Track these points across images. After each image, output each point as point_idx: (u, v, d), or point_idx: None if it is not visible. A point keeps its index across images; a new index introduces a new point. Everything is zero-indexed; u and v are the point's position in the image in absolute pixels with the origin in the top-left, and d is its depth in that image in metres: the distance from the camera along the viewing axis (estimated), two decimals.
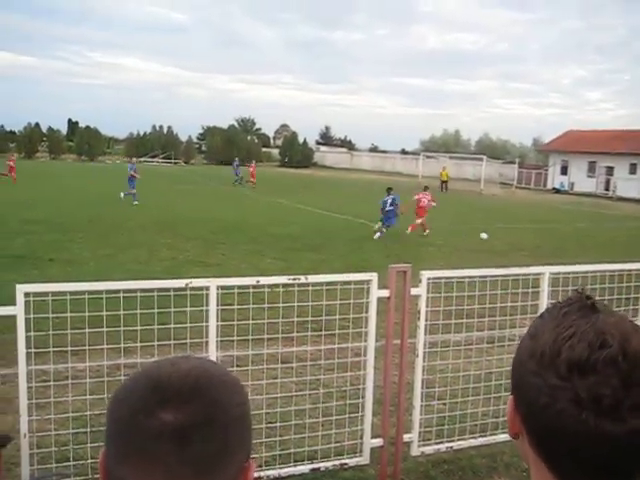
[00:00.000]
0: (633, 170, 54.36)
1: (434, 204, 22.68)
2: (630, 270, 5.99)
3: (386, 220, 20.50)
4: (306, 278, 4.91)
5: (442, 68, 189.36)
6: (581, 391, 0.87)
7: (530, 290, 5.47)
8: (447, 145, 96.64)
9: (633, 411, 0.86)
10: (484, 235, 21.01)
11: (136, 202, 26.62)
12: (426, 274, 5.09)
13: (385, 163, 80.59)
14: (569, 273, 5.52)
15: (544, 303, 5.47)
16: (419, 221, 21.43)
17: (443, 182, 47.10)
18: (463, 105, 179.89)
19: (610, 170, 56.76)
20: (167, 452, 0.85)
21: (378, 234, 20.09)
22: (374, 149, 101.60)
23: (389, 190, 21.23)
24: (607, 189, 55.17)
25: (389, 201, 20.66)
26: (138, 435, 0.87)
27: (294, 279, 4.89)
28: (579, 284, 5.74)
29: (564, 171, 61.13)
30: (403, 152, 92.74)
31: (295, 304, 4.98)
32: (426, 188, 23.25)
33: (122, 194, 27.72)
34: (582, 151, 58.52)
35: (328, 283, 5.19)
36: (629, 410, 0.86)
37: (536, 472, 0.97)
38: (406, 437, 5.37)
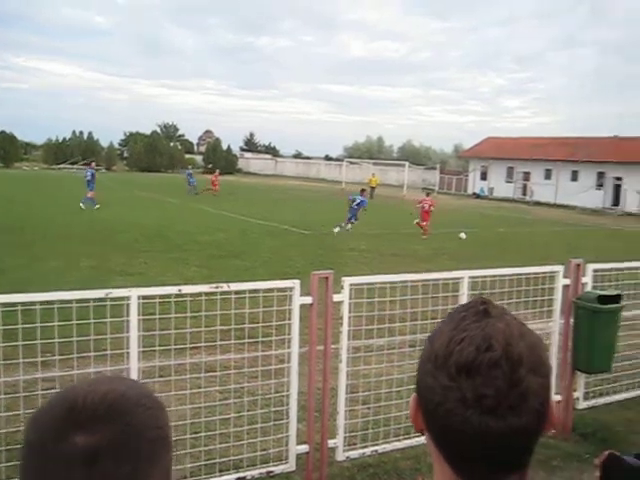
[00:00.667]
0: (548, 175, 56.32)
1: (433, 208, 24.91)
2: (544, 273, 6.22)
3: (352, 216, 23.32)
4: (228, 286, 4.89)
5: (366, 75, 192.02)
6: (467, 391, 0.93)
7: (450, 294, 5.60)
8: (370, 151, 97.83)
9: (512, 410, 0.93)
10: (463, 235, 23.18)
11: (97, 205, 27.34)
12: (348, 280, 5.14)
13: (309, 169, 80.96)
14: (487, 277, 5.69)
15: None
16: (424, 224, 23.83)
17: (372, 188, 47.14)
18: (386, 112, 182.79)
19: (527, 175, 58.65)
20: (77, 475, 0.85)
21: (337, 228, 22.60)
22: (298, 155, 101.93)
23: (362, 191, 24.65)
24: (524, 194, 56.94)
25: (357, 200, 23.50)
26: (49, 460, 0.86)
27: (216, 287, 4.86)
28: (497, 287, 5.93)
29: (484, 176, 62.79)
30: (327, 158, 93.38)
31: (218, 312, 4.95)
32: (428, 194, 26.24)
33: (81, 204, 27.72)
34: (501, 157, 60.29)
35: (251, 290, 5.18)
36: (509, 409, 0.93)
37: (437, 466, 1.03)
38: (331, 442, 5.41)
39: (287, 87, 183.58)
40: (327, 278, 5.00)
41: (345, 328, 5.17)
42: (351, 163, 67.29)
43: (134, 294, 4.54)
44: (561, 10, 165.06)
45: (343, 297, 5.13)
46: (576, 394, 6.80)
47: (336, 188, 53.24)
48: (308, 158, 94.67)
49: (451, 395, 0.94)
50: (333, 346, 5.30)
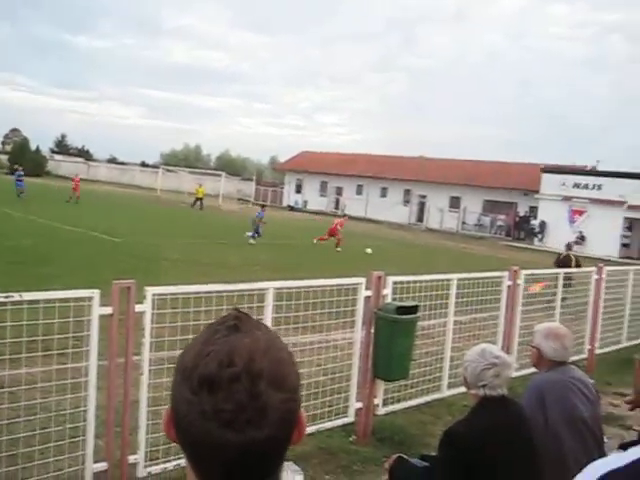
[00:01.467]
0: (359, 191, 58.76)
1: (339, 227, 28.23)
2: (348, 284, 6.43)
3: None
4: (20, 296, 4.57)
5: (188, 83, 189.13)
6: (207, 405, 0.95)
7: (255, 305, 5.62)
8: (188, 159, 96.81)
9: (251, 423, 0.94)
10: (368, 250, 24.94)
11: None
12: (151, 290, 5.00)
13: (124, 175, 78.41)
14: (292, 288, 5.77)
15: (269, 317, 5.67)
16: (325, 237, 27.89)
17: (198, 199, 45.50)
18: (206, 121, 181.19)
19: (340, 190, 60.81)
20: None
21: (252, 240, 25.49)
22: (113, 160, 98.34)
23: (263, 207, 29.15)
24: (337, 208, 58.93)
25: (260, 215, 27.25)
26: None
27: (7, 297, 4.52)
28: (301, 298, 6.04)
29: (299, 189, 64.26)
30: (143, 165, 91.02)
31: (8, 324, 4.60)
32: (344, 215, 31.78)
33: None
34: (315, 171, 62.03)
35: (47, 301, 4.88)
36: (247, 422, 0.94)
37: (188, 475, 1.03)
38: (132, 458, 5.22)
39: (104, 89, 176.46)
40: (129, 288, 4.83)
41: (147, 339, 5.03)
42: (167, 171, 66.14)
43: None
44: (377, 36, 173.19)
45: (146, 307, 4.99)
46: (376, 400, 7.08)
47: (151, 195, 52.05)
48: (123, 163, 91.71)
49: (193, 408, 0.96)
50: (136, 358, 5.14)
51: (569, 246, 18.42)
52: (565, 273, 11.39)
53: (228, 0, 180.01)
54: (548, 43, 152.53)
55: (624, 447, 1.43)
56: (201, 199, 45.52)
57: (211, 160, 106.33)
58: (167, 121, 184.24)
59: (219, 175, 57.79)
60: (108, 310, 4.84)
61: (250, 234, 26.13)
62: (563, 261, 16.50)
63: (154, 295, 5.05)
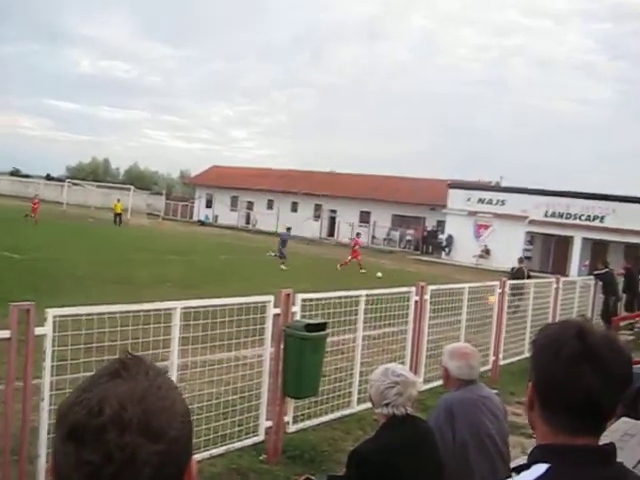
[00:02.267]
0: (270, 205, 58.78)
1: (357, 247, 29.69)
2: (257, 302, 6.40)
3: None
4: None
5: (95, 94, 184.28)
6: (73, 457, 0.90)
7: (162, 325, 5.51)
8: (96, 173, 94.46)
9: (116, 477, 0.90)
10: (379, 274, 25.10)
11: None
12: (52, 312, 4.82)
13: (27, 188, 75.58)
14: (199, 307, 5.69)
15: (176, 337, 5.57)
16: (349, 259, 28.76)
17: (117, 215, 44.22)
18: (114, 133, 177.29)
19: (251, 205, 60.68)
20: None
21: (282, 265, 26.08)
22: (16, 173, 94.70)
23: (288, 229, 30.56)
24: (248, 222, 58.75)
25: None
26: None
27: None
28: (209, 317, 5.97)
29: (209, 204, 63.69)
30: (48, 178, 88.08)
31: None
32: (358, 234, 32.22)
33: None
34: (226, 186, 61.68)
35: None
36: (112, 476, 0.89)
37: None
38: None
39: (6, 100, 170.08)
40: (29, 310, 4.64)
41: (48, 363, 4.84)
42: (73, 184, 64.28)
43: None
44: (285, 51, 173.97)
45: (46, 330, 4.80)
46: (286, 418, 7.05)
47: (56, 210, 50.40)
48: (27, 176, 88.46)
49: (63, 458, 0.92)
50: (38, 381, 4.93)
51: (521, 260, 19.99)
52: (515, 285, 12.07)
53: (137, 11, 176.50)
54: (454, 62, 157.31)
55: (516, 470, 1.46)
56: (119, 214, 44.45)
57: (120, 174, 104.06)
58: (74, 133, 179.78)
59: (127, 189, 56.57)
60: (5, 334, 4.63)
61: (274, 254, 28.32)
62: (516, 274, 17.55)
63: (55, 317, 4.86)
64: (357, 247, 29.59)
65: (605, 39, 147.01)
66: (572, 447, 1.43)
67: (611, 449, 1.48)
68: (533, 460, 1.46)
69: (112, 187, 65.27)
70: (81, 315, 5.12)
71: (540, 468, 1.41)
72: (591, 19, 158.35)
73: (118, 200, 46.84)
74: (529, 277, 16.84)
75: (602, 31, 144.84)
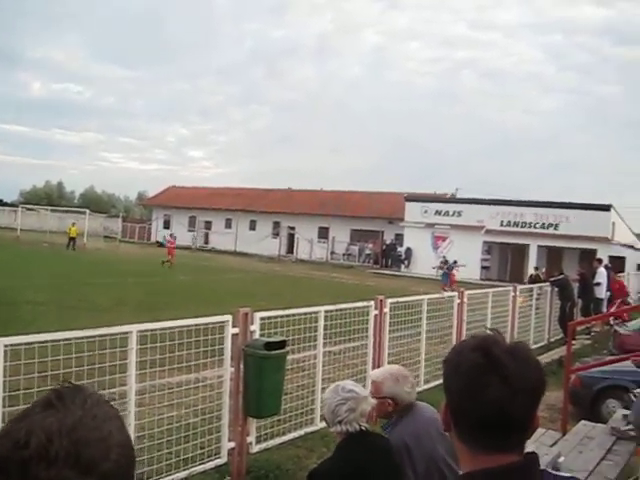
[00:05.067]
0: (228, 225, 58.59)
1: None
2: (214, 323, 6.35)
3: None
4: None
5: (47, 117, 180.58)
6: None
7: (118, 350, 5.43)
8: (50, 197, 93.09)
9: None
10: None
11: None
12: (3, 341, 4.71)
13: None
14: (156, 330, 5.62)
15: (133, 361, 5.49)
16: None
17: (71, 239, 43.67)
18: (69, 157, 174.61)
19: (209, 224, 60.37)
20: None
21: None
22: None
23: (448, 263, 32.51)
24: (206, 242, 58.41)
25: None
26: None
27: None
28: (167, 340, 5.90)
29: (167, 225, 63.18)
30: (1, 203, 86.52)
31: None
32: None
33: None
34: (183, 206, 61.34)
35: None
36: None
37: None
38: None
39: None
40: None
41: (0, 393, 4.72)
42: (27, 209, 63.21)
43: None
44: (240, 70, 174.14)
45: None
46: (249, 438, 6.99)
47: (10, 235, 49.43)
48: None
49: None
50: None
51: (536, 268, 25.48)
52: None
53: (89, 32, 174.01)
54: (405, 77, 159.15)
55: None
56: (74, 238, 43.94)
57: (75, 197, 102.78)
58: (26, 157, 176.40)
59: (83, 213, 55.78)
60: None
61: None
62: (534, 279, 21.83)
63: (6, 346, 4.75)
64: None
65: (554, 50, 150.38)
66: (494, 470, 1.39)
67: (531, 462, 1.46)
68: None
69: (67, 211, 64.25)
70: (34, 343, 5.01)
71: None
72: (539, 31, 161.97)
73: (73, 224, 46.26)
74: (544, 281, 19.69)
75: (550, 43, 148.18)
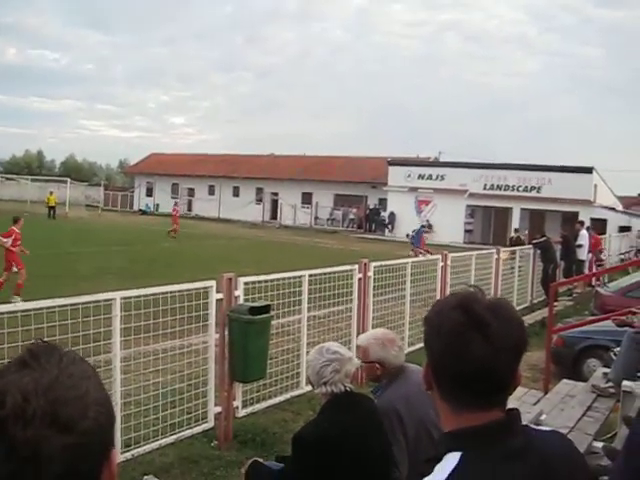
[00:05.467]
0: (212, 191, 58.28)
1: None
2: (198, 288, 6.35)
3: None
4: None
5: (24, 85, 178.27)
6: None
7: (102, 317, 5.42)
8: (31, 167, 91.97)
9: (19, 476, 0.85)
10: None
11: None
12: None
13: None
14: (140, 296, 5.61)
15: (117, 328, 5.48)
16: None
17: (50, 208, 43.48)
18: (48, 125, 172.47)
19: (192, 191, 60.03)
20: None
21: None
22: None
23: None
24: (190, 209, 58.15)
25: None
26: None
27: None
28: (151, 306, 5.89)
29: (149, 193, 62.81)
30: None
31: None
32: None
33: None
34: (166, 173, 60.86)
35: None
36: (13, 475, 0.85)
37: None
38: None
39: None
40: None
41: None
42: (7, 179, 62.56)
43: None
44: (222, 34, 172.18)
45: None
46: (236, 403, 7.04)
47: None
48: None
49: None
50: None
51: (517, 230, 26.68)
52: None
53: None
54: (390, 39, 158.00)
55: (429, 462, 1.44)
56: (54, 207, 43.75)
57: (56, 166, 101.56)
58: (4, 126, 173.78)
59: (64, 182, 55.24)
60: None
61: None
62: (515, 242, 22.48)
63: None
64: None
65: (536, 12, 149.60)
66: (478, 428, 1.40)
67: (514, 417, 1.46)
68: (444, 450, 1.42)
69: (48, 180, 63.58)
70: (17, 312, 4.99)
71: (452, 458, 1.39)
72: None
73: (51, 193, 45.99)
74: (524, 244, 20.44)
75: (533, 4, 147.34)
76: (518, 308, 15.32)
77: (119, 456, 5.44)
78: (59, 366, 0.93)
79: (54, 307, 5.19)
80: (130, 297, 5.57)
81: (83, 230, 34.19)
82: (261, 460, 3.68)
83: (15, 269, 15.08)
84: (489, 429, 1.41)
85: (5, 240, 15.01)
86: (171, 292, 6.14)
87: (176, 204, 39.97)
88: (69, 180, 55.64)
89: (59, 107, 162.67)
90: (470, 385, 1.41)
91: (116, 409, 5.54)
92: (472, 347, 1.38)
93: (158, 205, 60.11)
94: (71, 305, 5.24)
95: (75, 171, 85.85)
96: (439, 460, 1.41)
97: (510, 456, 1.39)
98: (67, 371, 0.93)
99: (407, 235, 32.11)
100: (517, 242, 21.95)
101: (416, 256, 21.20)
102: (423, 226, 34.25)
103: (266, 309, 6.72)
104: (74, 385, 0.92)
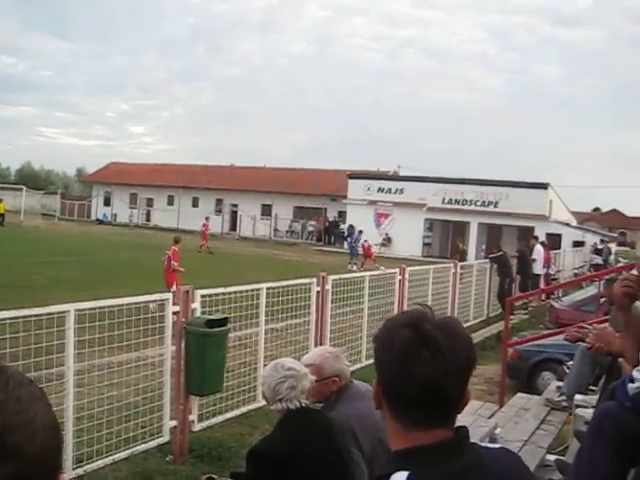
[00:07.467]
0: (171, 202, 57.76)
1: None
2: (154, 301, 6.29)
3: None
4: None
5: None
6: None
7: (55, 329, 5.32)
8: None
9: None
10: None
11: None
12: None
13: None
14: (95, 308, 5.53)
15: (71, 341, 5.39)
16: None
17: (0, 215, 43.02)
18: (3, 131, 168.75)
19: (150, 201, 59.46)
20: None
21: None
22: None
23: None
24: (148, 220, 57.54)
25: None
26: None
27: None
28: (106, 319, 5.81)
29: (107, 202, 61.98)
30: None
31: None
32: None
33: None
34: (124, 183, 60.16)
35: None
36: None
37: None
38: None
39: None
40: None
41: None
42: None
43: None
44: (183, 45, 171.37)
45: None
46: (191, 417, 6.96)
47: None
48: None
49: None
50: None
51: (460, 241, 26.91)
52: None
53: (23, 1, 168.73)
54: (350, 53, 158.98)
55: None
56: (2, 215, 42.98)
57: (11, 174, 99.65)
58: None
59: (19, 190, 54.19)
60: None
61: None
62: (461, 251, 23.73)
63: None
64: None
65: (496, 30, 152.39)
66: (426, 447, 1.41)
67: (462, 435, 1.47)
68: (391, 469, 1.41)
69: (3, 188, 62.27)
70: None
71: (400, 478, 1.38)
72: (482, 11, 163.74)
73: (0, 200, 45.14)
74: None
75: (492, 23, 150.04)
76: (475, 321, 15.52)
77: (71, 472, 5.33)
78: (5, 390, 0.89)
79: (5, 319, 5.08)
80: (85, 309, 5.49)
81: (38, 239, 33.58)
82: (215, 476, 3.64)
83: None
84: (437, 448, 1.41)
85: None
86: (127, 304, 6.07)
87: (207, 219, 39.31)
88: (25, 188, 54.64)
89: (16, 113, 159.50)
90: (419, 403, 1.41)
91: (68, 424, 5.44)
92: (422, 365, 1.38)
93: (116, 215, 59.39)
94: (23, 317, 5.13)
95: (31, 179, 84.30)
96: (387, 478, 1.40)
97: (458, 475, 1.40)
98: (14, 395, 0.89)
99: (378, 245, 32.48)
100: (462, 253, 23.01)
101: (362, 267, 21.47)
102: (360, 231, 34.21)
103: (223, 322, 6.69)
104: (21, 410, 0.88)
